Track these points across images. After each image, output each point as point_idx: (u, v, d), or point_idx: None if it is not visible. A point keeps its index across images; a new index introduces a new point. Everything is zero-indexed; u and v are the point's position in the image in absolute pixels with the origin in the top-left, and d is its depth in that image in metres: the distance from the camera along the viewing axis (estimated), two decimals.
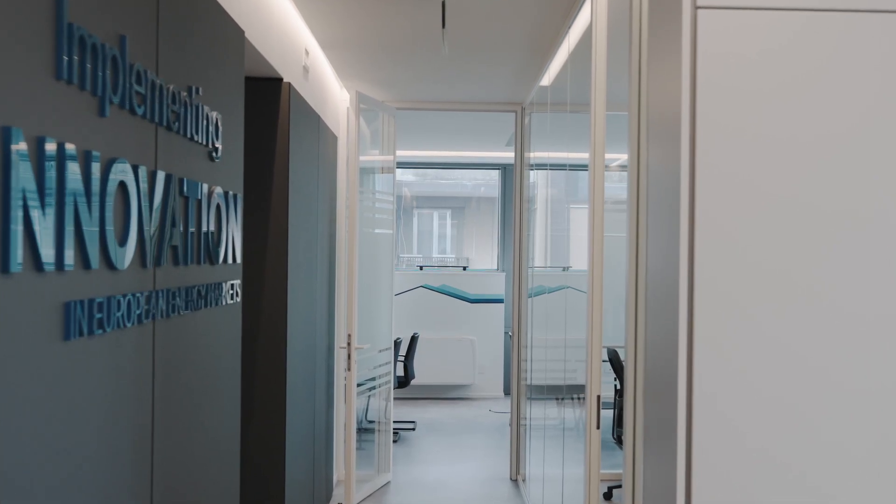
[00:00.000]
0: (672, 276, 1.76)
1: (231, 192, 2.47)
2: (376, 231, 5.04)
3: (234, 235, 2.50)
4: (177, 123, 2.01)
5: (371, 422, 5.54)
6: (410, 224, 10.20)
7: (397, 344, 6.39)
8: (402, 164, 8.96)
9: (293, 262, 3.49)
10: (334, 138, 4.80)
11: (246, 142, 3.35)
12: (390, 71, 4.69)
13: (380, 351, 4.98)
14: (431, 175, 10.98)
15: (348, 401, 4.50)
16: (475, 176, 10.99)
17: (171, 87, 1.94)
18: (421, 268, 8.67)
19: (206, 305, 2.24)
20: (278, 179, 3.38)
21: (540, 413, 5.01)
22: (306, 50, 3.81)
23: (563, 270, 5.79)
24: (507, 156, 8.29)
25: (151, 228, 1.83)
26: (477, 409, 7.66)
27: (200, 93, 2.18)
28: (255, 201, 3.35)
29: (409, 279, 8.31)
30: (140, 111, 1.72)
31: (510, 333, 6.81)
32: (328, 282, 4.53)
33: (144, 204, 1.76)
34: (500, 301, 8.31)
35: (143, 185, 1.75)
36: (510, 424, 5.48)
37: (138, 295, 1.71)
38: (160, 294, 1.88)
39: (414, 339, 6.84)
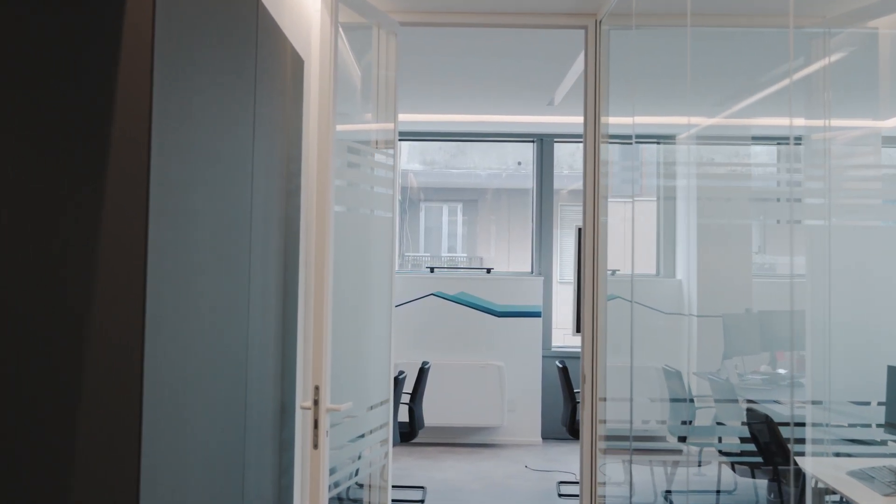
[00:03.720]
0: None
1: None
2: (366, 213, 3.15)
3: None
4: None
5: (360, 485, 3.65)
6: (417, 218, 9.28)
7: (399, 380, 4.49)
8: (406, 136, 7.07)
9: (163, 265, 1.60)
10: (298, 61, 2.90)
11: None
12: None
13: (370, 408, 3.09)
14: (441, 164, 10.14)
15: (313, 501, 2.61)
16: (490, 164, 10.47)
17: None
18: (431, 270, 6.77)
19: None
20: (126, 99, 1.48)
21: (641, 477, 3.21)
22: None
23: (612, 274, 3.90)
24: (548, 121, 6.41)
25: None
26: (508, 462, 5.74)
27: None
28: (63, 146, 1.47)
29: (415, 285, 6.41)
30: None
31: (577, 370, 4.92)
32: (280, 297, 2.63)
33: None
34: (536, 314, 6.40)
35: None
36: (579, 495, 3.53)
37: None
38: None
39: (423, 372, 4.93)
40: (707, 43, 2.74)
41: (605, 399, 3.29)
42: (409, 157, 9.60)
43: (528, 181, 7.26)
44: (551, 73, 5.03)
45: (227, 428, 2.02)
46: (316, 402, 2.60)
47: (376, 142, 3.30)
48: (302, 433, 2.91)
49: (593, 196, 3.40)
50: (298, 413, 2.87)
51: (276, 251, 2.54)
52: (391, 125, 3.34)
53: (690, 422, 4.46)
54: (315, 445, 2.57)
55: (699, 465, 4.69)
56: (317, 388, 2.59)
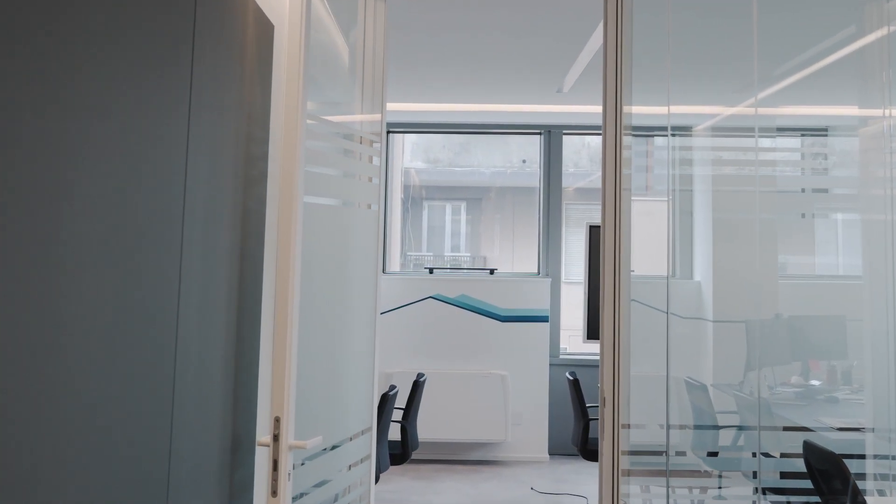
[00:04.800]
0: None
1: None
2: (347, 205, 2.66)
3: None
4: None
5: None
6: (420, 217, 9.14)
7: (388, 397, 4.00)
8: (404, 128, 6.58)
9: (7, 266, 1.11)
10: (266, 26, 2.42)
11: None
12: None
13: (350, 439, 2.60)
14: (444, 162, 10.07)
15: None
16: (494, 162, 10.07)
17: None
18: (431, 270, 6.28)
19: None
20: None
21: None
22: None
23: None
24: (556, 111, 5.92)
25: None
26: (512, 483, 5.25)
27: None
28: None
29: (413, 287, 5.93)
30: None
31: (588, 381, 4.45)
32: (233, 306, 2.14)
33: None
34: (543, 319, 5.90)
35: None
36: None
37: None
38: None
39: (417, 386, 4.43)
40: (776, 14, 2.25)
41: (628, 426, 2.80)
42: (413, 154, 9.50)
43: (533, 179, 6.80)
44: (560, 55, 4.54)
45: (133, 479, 1.53)
46: (276, 438, 2.11)
47: (361, 123, 2.82)
48: (267, 475, 2.42)
49: (614, 192, 2.91)
50: (259, 449, 2.38)
51: (228, 250, 2.05)
52: (379, 105, 2.85)
53: (717, 453, 3.97)
54: (274, 492, 2.08)
55: (720, 488, 4.21)
56: (277, 421, 2.11)
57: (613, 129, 2.94)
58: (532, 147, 7.06)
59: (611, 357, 2.83)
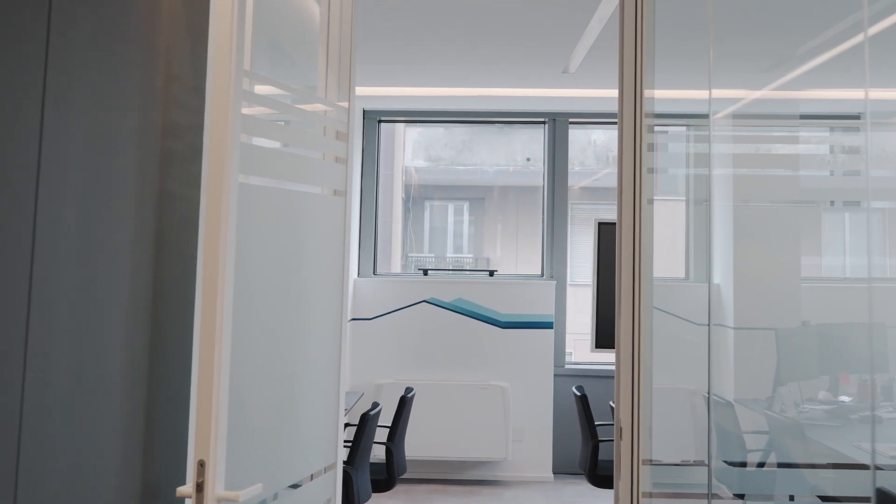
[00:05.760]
0: None
1: None
2: (303, 191, 2.16)
3: None
4: None
5: None
6: (421, 218, 8.83)
7: (369, 417, 3.51)
8: (394, 115, 6.12)
9: None
10: None
11: None
12: None
13: (311, 477, 2.10)
14: (446, 160, 9.86)
15: None
16: (498, 160, 9.74)
17: None
18: (425, 272, 5.80)
19: None
20: None
21: None
22: None
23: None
24: (562, 95, 5.44)
25: None
26: None
27: None
28: None
29: (405, 290, 5.46)
30: None
31: (597, 397, 3.97)
32: (143, 316, 1.66)
33: None
34: (547, 325, 5.41)
35: None
36: None
37: None
38: None
39: (404, 402, 3.93)
40: None
41: (650, 461, 2.31)
42: (414, 153, 9.28)
43: (538, 178, 6.35)
44: (566, 25, 4.00)
45: None
46: (200, 487, 1.63)
47: (326, 90, 2.33)
48: None
49: (633, 187, 2.42)
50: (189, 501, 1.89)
51: (131, 244, 1.57)
52: (347, 70, 2.35)
53: (743, 496, 3.48)
54: None
55: None
56: (201, 465, 1.62)
57: (632, 114, 2.45)
58: (536, 145, 6.61)
59: (629, 379, 2.34)
